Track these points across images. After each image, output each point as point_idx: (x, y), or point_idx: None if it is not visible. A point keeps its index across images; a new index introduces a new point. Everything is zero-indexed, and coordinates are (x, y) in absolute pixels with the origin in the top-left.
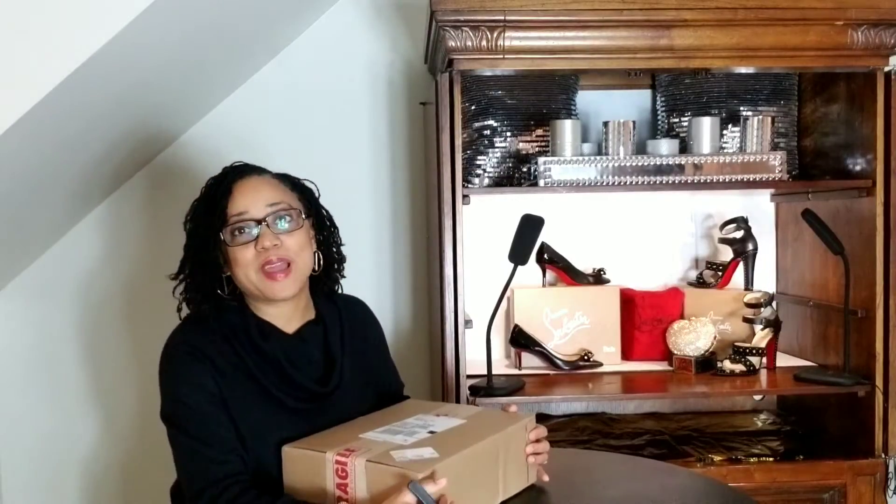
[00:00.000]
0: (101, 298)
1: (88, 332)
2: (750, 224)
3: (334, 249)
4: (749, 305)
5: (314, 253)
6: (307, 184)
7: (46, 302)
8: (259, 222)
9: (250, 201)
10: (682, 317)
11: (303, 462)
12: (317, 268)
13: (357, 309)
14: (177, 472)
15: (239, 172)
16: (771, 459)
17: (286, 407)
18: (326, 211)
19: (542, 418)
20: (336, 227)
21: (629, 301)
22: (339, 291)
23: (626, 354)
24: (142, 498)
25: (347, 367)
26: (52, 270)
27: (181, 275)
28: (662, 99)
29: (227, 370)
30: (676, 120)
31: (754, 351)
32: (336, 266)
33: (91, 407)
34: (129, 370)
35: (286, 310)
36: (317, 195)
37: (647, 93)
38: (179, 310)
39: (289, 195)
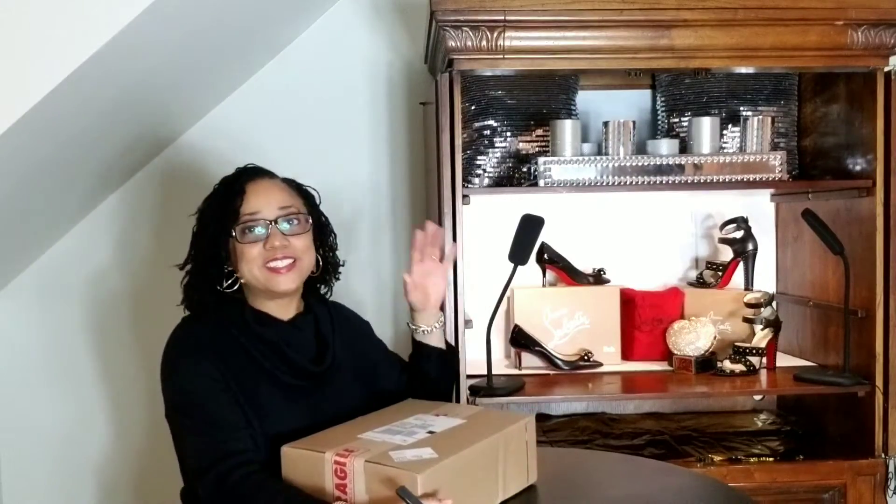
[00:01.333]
0: (108, 296)
1: (95, 330)
2: (750, 224)
3: (331, 254)
4: (749, 305)
5: (316, 255)
6: (310, 190)
7: (51, 299)
8: (270, 223)
9: (263, 202)
10: (682, 317)
11: (302, 462)
12: (316, 269)
13: (344, 309)
14: (180, 460)
15: (251, 174)
16: (771, 459)
17: (287, 385)
18: (326, 217)
19: (542, 418)
20: (335, 234)
21: (629, 301)
22: (330, 296)
23: (626, 354)
24: (152, 501)
25: (339, 350)
26: (55, 268)
27: (187, 265)
28: (662, 99)
29: (228, 356)
30: (676, 120)
31: (754, 351)
32: (332, 269)
33: (100, 406)
34: (137, 367)
35: (282, 303)
36: (318, 201)
37: (647, 93)
38: (183, 302)
39: (297, 200)
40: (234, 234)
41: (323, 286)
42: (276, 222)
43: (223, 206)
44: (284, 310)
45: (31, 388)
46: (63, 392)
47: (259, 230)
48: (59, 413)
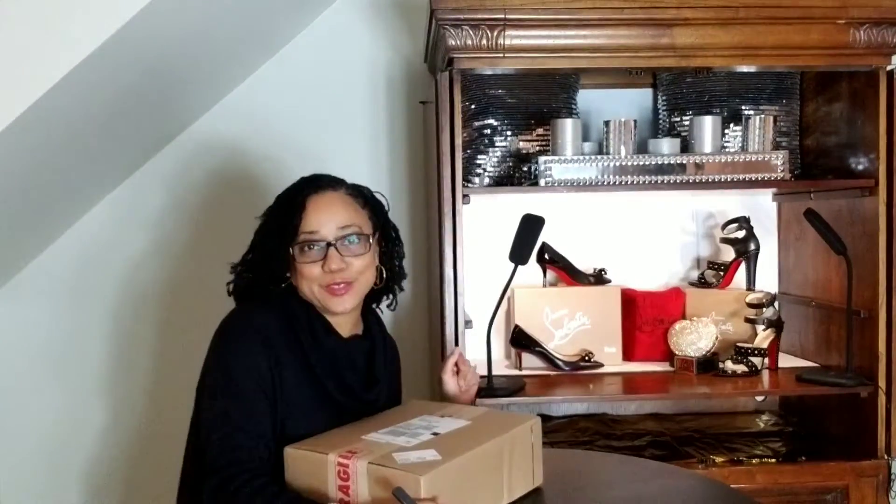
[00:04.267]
0: (110, 293)
1: (95, 327)
2: (752, 224)
3: (396, 263)
4: (751, 306)
5: (377, 267)
6: (379, 197)
7: (50, 296)
8: (329, 244)
9: (323, 220)
10: (683, 317)
11: (305, 463)
12: (379, 282)
13: (394, 344)
14: (202, 439)
15: (314, 186)
16: (773, 461)
17: (333, 399)
18: (394, 225)
19: (542, 419)
20: (401, 242)
21: (630, 301)
22: (395, 307)
23: (627, 355)
24: (146, 499)
25: (384, 387)
26: (53, 265)
27: (241, 266)
28: (664, 98)
29: (284, 356)
30: (678, 119)
31: (756, 351)
32: (397, 281)
33: (101, 403)
34: (141, 368)
35: (340, 319)
36: (386, 209)
37: (649, 92)
38: (235, 290)
39: (360, 215)
40: (292, 251)
41: (386, 297)
42: (335, 244)
43: (282, 221)
44: (343, 326)
45: (27, 385)
46: (59, 390)
47: (317, 251)
48: (54, 412)
